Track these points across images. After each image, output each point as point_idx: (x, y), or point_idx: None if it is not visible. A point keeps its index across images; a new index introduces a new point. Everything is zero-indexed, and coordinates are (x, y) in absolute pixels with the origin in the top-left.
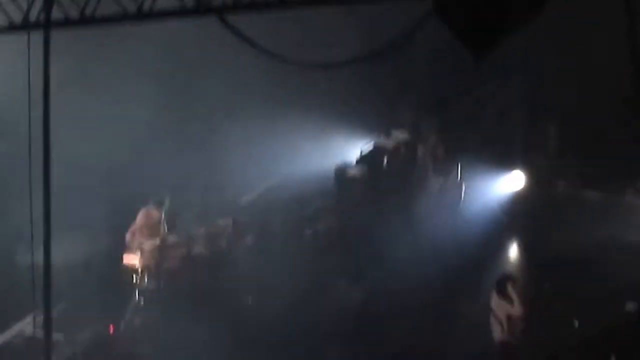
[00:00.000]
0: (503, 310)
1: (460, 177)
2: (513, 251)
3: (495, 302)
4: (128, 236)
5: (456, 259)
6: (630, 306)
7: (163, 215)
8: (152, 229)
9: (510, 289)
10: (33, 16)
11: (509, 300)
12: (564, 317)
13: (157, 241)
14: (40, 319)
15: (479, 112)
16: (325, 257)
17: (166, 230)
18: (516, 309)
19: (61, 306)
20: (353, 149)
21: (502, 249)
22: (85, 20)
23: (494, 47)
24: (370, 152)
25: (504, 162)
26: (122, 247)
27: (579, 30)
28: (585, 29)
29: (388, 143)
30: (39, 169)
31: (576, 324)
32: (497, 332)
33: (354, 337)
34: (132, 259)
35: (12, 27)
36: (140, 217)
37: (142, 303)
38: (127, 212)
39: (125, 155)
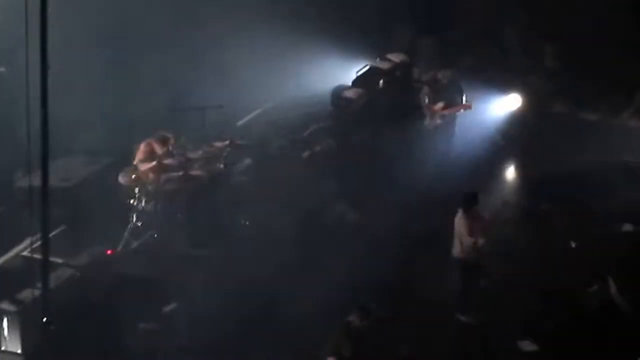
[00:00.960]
0: (465, 228)
1: (457, 99)
2: (510, 173)
3: (460, 219)
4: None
5: (453, 182)
6: (627, 227)
7: (165, 152)
8: (152, 159)
9: (476, 208)
10: None
11: (474, 219)
12: (560, 238)
13: (154, 162)
14: (38, 241)
15: (476, 35)
16: (322, 179)
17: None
18: (480, 228)
19: (59, 229)
20: (349, 71)
21: (499, 171)
22: None
23: None
24: (366, 74)
25: (501, 84)
26: (119, 169)
27: None
28: None
29: (384, 65)
30: (37, 92)
31: (573, 244)
32: (457, 249)
33: (349, 258)
34: (129, 180)
35: None
36: (141, 149)
37: (139, 225)
38: (124, 132)
39: (123, 76)
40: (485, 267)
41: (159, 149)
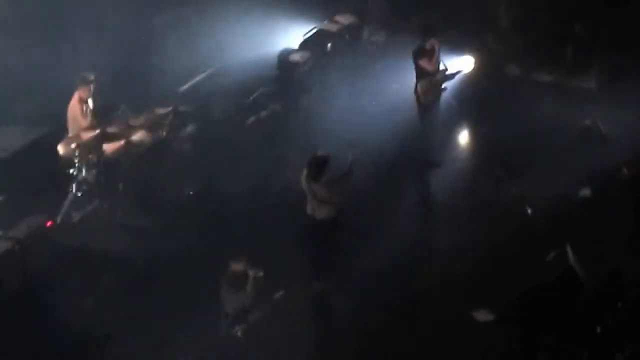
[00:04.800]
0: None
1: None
2: (463, 137)
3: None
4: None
5: (404, 147)
6: (584, 192)
7: (92, 95)
8: (85, 115)
9: (324, 172)
10: None
11: (321, 182)
12: (516, 204)
13: (95, 131)
14: None
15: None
16: (270, 144)
17: (98, 112)
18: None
19: None
20: (296, 34)
21: (452, 134)
22: None
23: None
24: (314, 36)
25: (453, 47)
26: (59, 138)
27: None
28: None
29: (332, 27)
30: None
31: (529, 210)
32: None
33: (296, 227)
34: (68, 149)
35: None
36: (71, 103)
37: (79, 195)
38: (62, 100)
39: (59, 41)
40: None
41: (85, 94)
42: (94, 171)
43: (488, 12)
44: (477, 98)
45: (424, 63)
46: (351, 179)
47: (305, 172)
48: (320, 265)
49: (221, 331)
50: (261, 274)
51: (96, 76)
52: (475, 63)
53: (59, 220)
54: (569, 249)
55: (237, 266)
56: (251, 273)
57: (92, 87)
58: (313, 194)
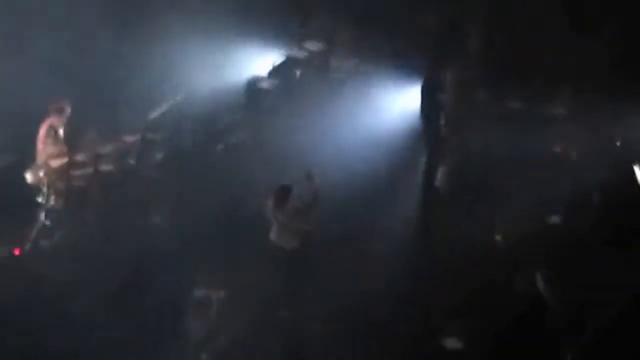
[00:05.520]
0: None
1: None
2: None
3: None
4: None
5: (373, 172)
6: (553, 219)
7: (64, 124)
8: (55, 142)
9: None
10: None
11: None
12: (485, 231)
13: (64, 159)
14: None
15: (397, 22)
16: (238, 172)
17: (68, 140)
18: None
19: None
20: (264, 61)
21: (421, 160)
22: None
23: None
24: (282, 63)
25: (422, 71)
26: (27, 165)
27: None
28: None
29: (301, 54)
30: None
31: (498, 237)
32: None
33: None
34: (36, 177)
35: None
36: (42, 131)
37: (48, 223)
38: (30, 126)
39: (29, 66)
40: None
41: (57, 122)
42: (62, 199)
43: (457, 38)
44: (446, 123)
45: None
46: (316, 208)
47: (270, 200)
48: (287, 293)
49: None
50: (225, 299)
51: (67, 104)
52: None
53: (27, 248)
54: (538, 276)
55: (201, 292)
56: (215, 298)
57: (63, 114)
58: (278, 222)
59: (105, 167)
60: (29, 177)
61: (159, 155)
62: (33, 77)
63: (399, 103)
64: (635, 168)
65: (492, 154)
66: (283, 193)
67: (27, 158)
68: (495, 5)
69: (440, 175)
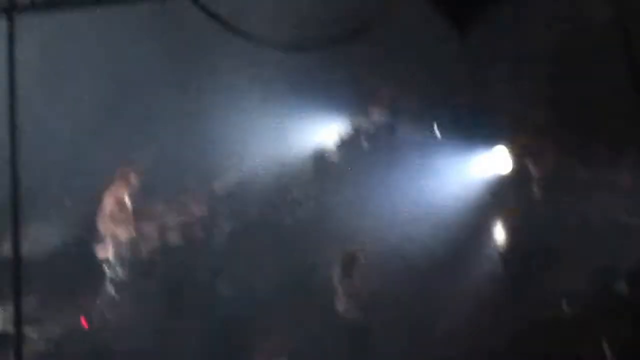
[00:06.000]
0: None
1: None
2: (499, 232)
3: (339, 278)
4: (98, 224)
5: (438, 241)
6: (619, 287)
7: (130, 195)
8: (121, 213)
9: (355, 267)
10: None
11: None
12: (551, 299)
13: (130, 230)
14: (9, 313)
15: (462, 89)
16: (305, 243)
17: (133, 211)
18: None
19: (30, 299)
20: (331, 132)
21: (487, 229)
22: (52, 4)
23: (478, 22)
24: (349, 134)
25: (489, 138)
26: (93, 236)
27: None
28: None
29: (368, 124)
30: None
31: (564, 305)
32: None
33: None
34: (103, 249)
35: None
36: (107, 201)
37: (115, 295)
38: (97, 198)
39: (92, 139)
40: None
41: (124, 193)
42: (129, 271)
43: (524, 103)
44: (513, 192)
45: None
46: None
47: (336, 268)
48: None
49: None
50: None
51: (134, 174)
52: (511, 155)
53: (94, 320)
54: (605, 346)
55: None
56: None
57: (130, 185)
58: (344, 291)
59: (173, 238)
60: (96, 248)
61: (226, 227)
62: (100, 148)
63: (465, 173)
64: None
65: (558, 221)
66: (349, 260)
67: (94, 230)
68: (558, 75)
69: (505, 244)
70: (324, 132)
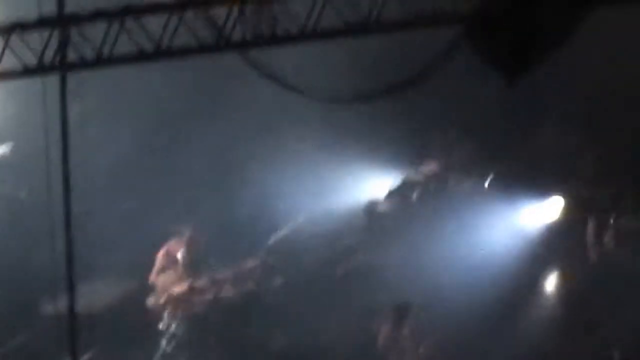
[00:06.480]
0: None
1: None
2: (550, 285)
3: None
4: (152, 278)
5: (490, 292)
6: None
7: (184, 250)
8: (175, 268)
9: (407, 320)
10: (48, 58)
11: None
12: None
13: (184, 285)
14: None
15: (513, 140)
16: (358, 295)
17: (188, 266)
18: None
19: (87, 355)
20: (382, 183)
21: (539, 281)
22: (102, 61)
23: (527, 73)
24: (400, 186)
25: (541, 189)
26: (148, 291)
27: (617, 48)
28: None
29: (418, 176)
30: (60, 214)
31: (615, 355)
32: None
33: None
34: (157, 304)
35: (26, 71)
36: (160, 257)
37: (170, 350)
38: (151, 252)
39: (147, 194)
40: None
41: (177, 248)
42: (183, 326)
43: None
44: (566, 245)
45: None
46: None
47: (388, 321)
48: None
49: None
50: None
51: (186, 229)
52: (564, 207)
53: None
54: None
55: None
56: None
57: (182, 240)
58: (396, 344)
59: (226, 292)
60: (150, 303)
61: (279, 280)
62: (154, 205)
63: (516, 224)
64: None
65: (610, 271)
66: (401, 313)
67: (148, 284)
68: (610, 126)
69: (559, 295)
70: (376, 183)
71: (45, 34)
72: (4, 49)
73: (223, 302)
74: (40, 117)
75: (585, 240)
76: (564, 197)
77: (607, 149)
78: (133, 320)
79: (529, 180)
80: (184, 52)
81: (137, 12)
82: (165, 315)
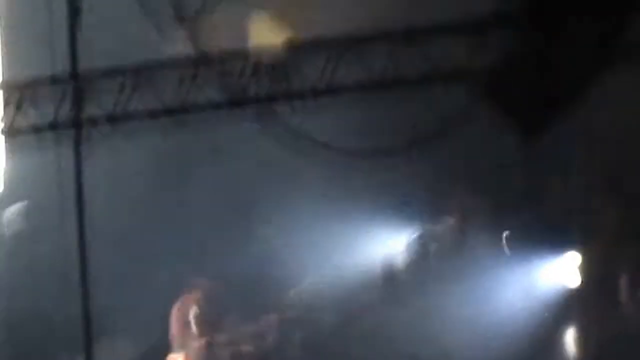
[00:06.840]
0: None
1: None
2: (571, 344)
3: None
4: (170, 335)
5: (508, 353)
6: None
7: (201, 305)
8: (194, 323)
9: None
10: (63, 115)
11: None
12: None
13: (203, 340)
14: None
15: (532, 197)
16: (375, 355)
17: (204, 321)
18: None
19: None
20: (399, 238)
21: (559, 342)
22: (117, 118)
23: (545, 129)
24: (417, 241)
25: (560, 246)
26: (165, 349)
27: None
28: None
29: (435, 231)
30: (76, 272)
31: None
32: None
33: None
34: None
35: (40, 129)
36: (176, 312)
37: None
38: (167, 309)
39: (161, 252)
40: None
41: (195, 302)
42: None
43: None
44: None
45: None
46: None
47: None
48: None
49: None
50: None
51: (205, 283)
52: (579, 266)
53: None
54: None
55: None
56: None
57: (201, 294)
58: None
59: (246, 347)
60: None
61: (298, 335)
62: (170, 260)
63: (535, 283)
64: None
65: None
66: None
67: (166, 341)
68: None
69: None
70: (393, 239)
71: (59, 91)
72: (18, 107)
73: (243, 356)
74: (54, 174)
75: (609, 298)
76: (584, 254)
77: (633, 206)
78: None
79: (548, 236)
80: (199, 109)
81: (150, 68)
82: None
